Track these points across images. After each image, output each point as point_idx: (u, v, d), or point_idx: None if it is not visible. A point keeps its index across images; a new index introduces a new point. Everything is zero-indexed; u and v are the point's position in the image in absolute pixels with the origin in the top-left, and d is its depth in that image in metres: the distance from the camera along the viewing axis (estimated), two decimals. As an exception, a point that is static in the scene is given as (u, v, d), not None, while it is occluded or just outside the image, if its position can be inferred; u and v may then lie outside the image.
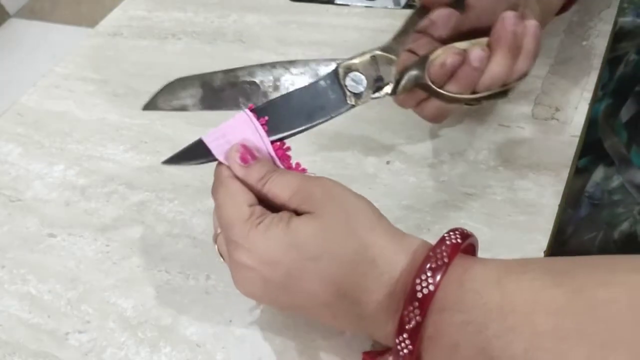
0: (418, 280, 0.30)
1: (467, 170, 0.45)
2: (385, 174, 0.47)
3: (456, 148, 0.47)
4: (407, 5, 0.60)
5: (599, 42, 0.51)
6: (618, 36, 0.58)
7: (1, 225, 0.50)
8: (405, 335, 0.30)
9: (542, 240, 0.40)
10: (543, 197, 0.42)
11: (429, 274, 0.30)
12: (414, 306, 0.29)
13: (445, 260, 0.30)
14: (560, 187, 0.42)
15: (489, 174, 0.45)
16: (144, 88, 0.60)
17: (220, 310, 0.41)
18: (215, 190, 0.36)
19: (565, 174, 0.43)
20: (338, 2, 0.63)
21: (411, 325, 0.29)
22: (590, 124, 0.48)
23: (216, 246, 0.37)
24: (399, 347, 0.30)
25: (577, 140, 0.45)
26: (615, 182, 0.53)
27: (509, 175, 0.44)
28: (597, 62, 0.50)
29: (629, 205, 0.52)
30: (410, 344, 0.30)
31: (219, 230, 0.37)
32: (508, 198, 0.43)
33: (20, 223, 0.50)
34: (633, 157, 0.52)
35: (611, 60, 0.58)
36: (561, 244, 0.54)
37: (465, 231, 0.32)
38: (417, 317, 0.29)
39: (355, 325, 0.33)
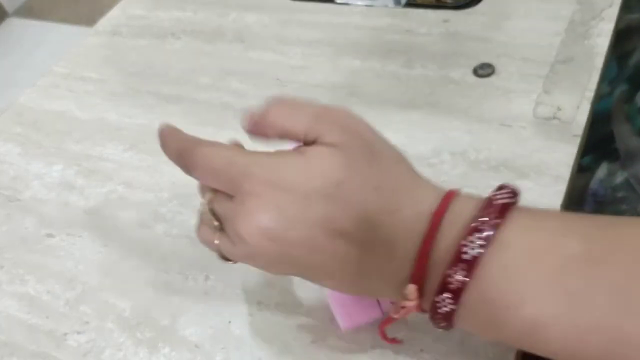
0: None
1: (467, 170, 0.45)
2: (386, 174, 0.46)
3: (457, 148, 0.46)
4: (408, 5, 0.60)
5: (601, 41, 0.51)
6: (626, 34, 0.57)
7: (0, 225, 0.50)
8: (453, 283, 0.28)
9: (543, 240, 0.40)
10: (544, 197, 0.42)
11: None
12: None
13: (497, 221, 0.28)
14: (562, 187, 0.42)
15: (490, 174, 0.44)
16: (144, 88, 0.60)
17: (219, 311, 0.41)
18: (189, 152, 0.33)
19: (567, 173, 0.43)
20: (338, 1, 0.63)
21: (453, 286, 0.28)
22: (595, 120, 0.48)
23: (205, 212, 0.33)
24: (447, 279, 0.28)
25: (579, 139, 0.45)
26: (619, 178, 0.53)
27: (510, 175, 0.44)
28: (599, 61, 0.50)
29: (633, 202, 0.52)
30: (453, 302, 0.29)
31: (207, 197, 0.33)
32: (509, 198, 0.42)
33: (19, 223, 0.50)
34: None
35: (620, 57, 0.58)
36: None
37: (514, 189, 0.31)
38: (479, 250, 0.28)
39: (369, 268, 0.30)
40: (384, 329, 0.34)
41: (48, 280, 0.45)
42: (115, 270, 0.45)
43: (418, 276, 0.29)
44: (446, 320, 0.30)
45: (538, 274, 0.27)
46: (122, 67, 0.63)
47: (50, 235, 0.48)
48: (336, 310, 0.37)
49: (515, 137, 0.46)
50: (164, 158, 0.52)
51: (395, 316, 0.31)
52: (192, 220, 0.47)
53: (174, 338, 0.40)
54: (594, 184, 0.54)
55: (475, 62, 0.52)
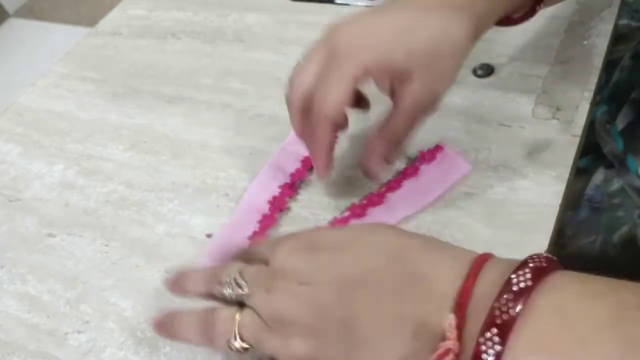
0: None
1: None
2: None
3: (456, 148, 0.46)
4: (407, 5, 0.60)
5: (600, 41, 0.51)
6: (615, 40, 0.57)
7: (0, 225, 0.50)
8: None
9: (542, 240, 0.40)
10: (544, 197, 0.42)
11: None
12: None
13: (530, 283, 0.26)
14: (561, 187, 0.42)
15: (489, 173, 0.44)
16: (144, 88, 0.60)
17: (219, 311, 0.41)
18: (271, 243, 0.35)
19: (566, 173, 0.43)
20: (338, 2, 0.63)
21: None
22: (590, 125, 0.48)
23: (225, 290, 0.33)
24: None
25: (577, 140, 0.45)
26: (615, 185, 0.53)
27: (509, 175, 0.44)
28: (598, 61, 0.50)
29: (629, 209, 0.51)
30: (500, 342, 0.25)
31: (234, 269, 0.34)
32: (508, 198, 0.43)
33: (20, 223, 0.50)
34: (629, 164, 0.52)
35: (607, 64, 0.58)
36: (561, 246, 0.54)
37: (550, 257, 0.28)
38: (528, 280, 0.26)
39: (406, 311, 0.29)
40: None
41: (49, 279, 0.45)
42: (116, 270, 0.45)
43: (459, 310, 0.27)
44: None
45: (594, 319, 0.25)
46: (123, 67, 0.63)
47: (50, 235, 0.48)
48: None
49: (515, 137, 0.46)
50: (164, 157, 0.53)
51: None
52: (193, 219, 0.47)
53: (174, 337, 0.40)
54: (590, 189, 0.54)
55: (474, 63, 0.52)
